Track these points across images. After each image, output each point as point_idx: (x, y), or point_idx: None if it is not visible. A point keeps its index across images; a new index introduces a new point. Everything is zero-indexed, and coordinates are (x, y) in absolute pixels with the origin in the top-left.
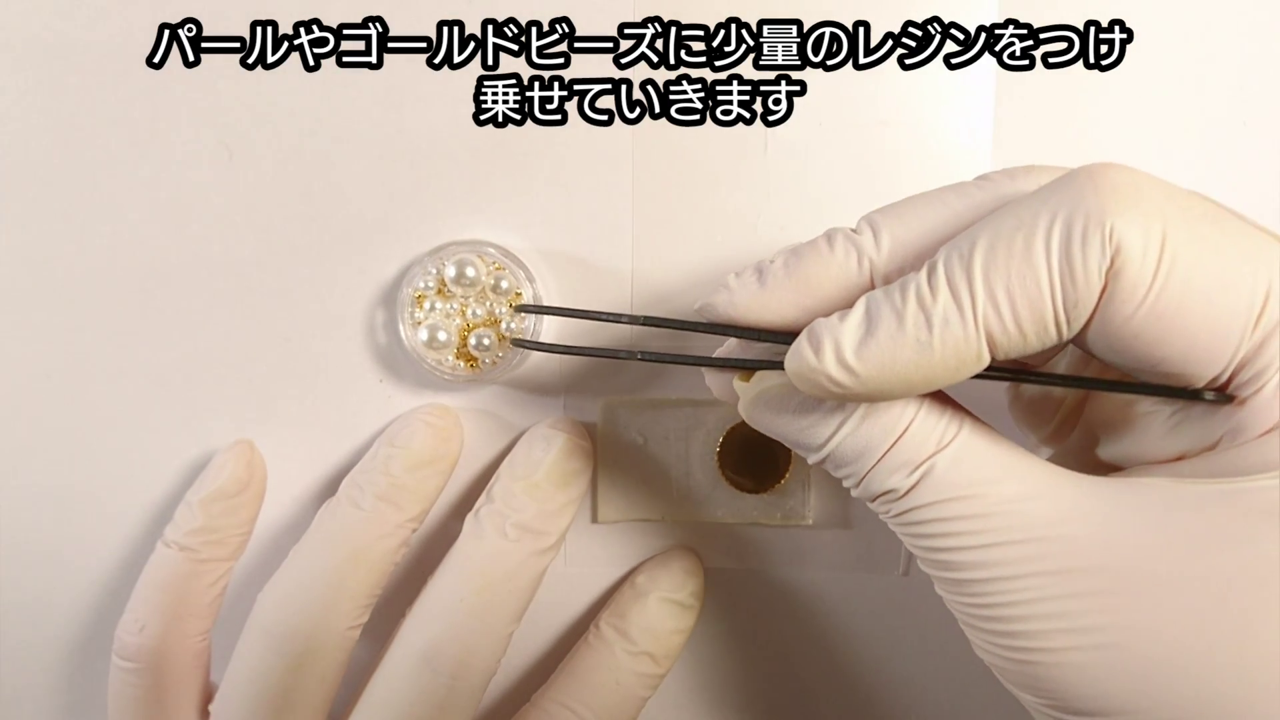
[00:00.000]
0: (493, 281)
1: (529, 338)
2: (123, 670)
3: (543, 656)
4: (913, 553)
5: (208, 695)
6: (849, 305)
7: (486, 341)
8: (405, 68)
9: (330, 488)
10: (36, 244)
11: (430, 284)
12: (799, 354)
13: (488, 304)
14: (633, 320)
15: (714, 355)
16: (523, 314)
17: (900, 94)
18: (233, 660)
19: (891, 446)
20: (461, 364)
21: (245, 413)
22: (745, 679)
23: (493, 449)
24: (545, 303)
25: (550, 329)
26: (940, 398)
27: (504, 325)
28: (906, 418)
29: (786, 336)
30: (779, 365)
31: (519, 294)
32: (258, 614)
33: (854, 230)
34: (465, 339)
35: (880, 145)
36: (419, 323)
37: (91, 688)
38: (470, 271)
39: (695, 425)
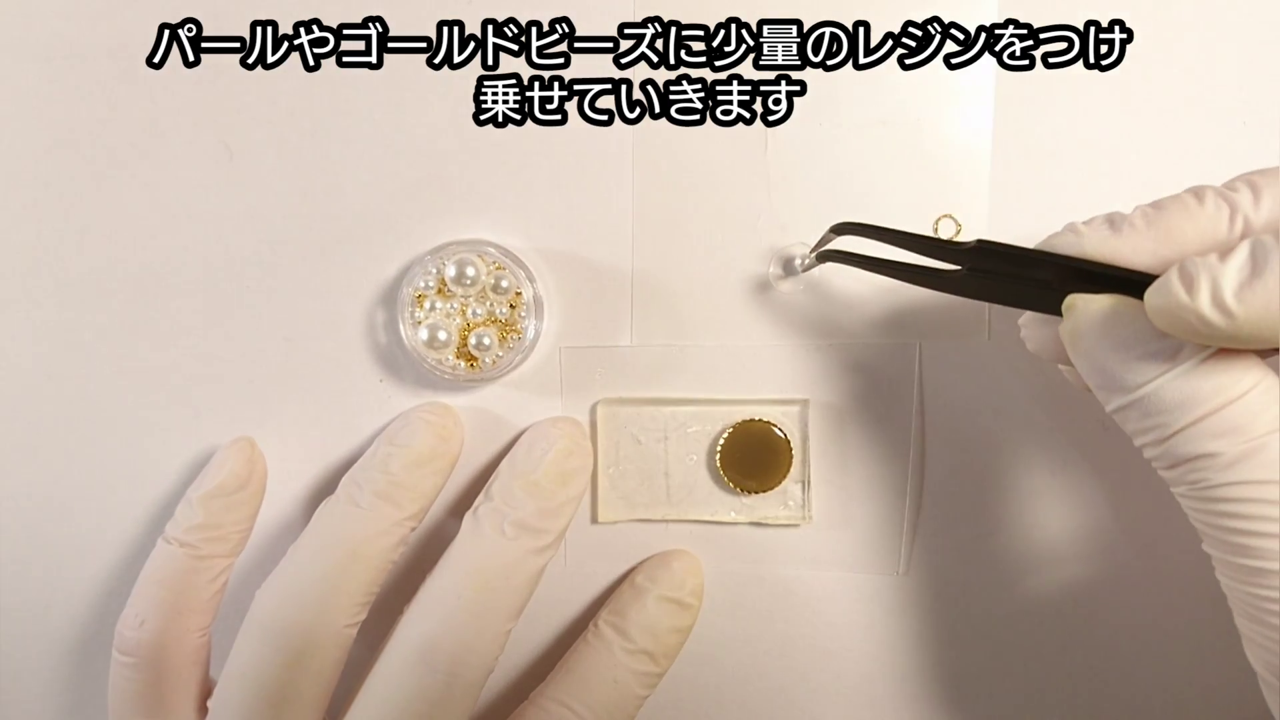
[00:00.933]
0: (493, 281)
1: (528, 339)
2: (122, 665)
3: (541, 655)
4: (1199, 528)
5: (206, 691)
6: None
7: (487, 341)
8: (405, 68)
9: (330, 487)
10: (36, 244)
11: (430, 284)
12: (1167, 289)
13: (488, 304)
14: (965, 250)
15: (1023, 318)
16: (522, 311)
17: (900, 94)
18: (230, 656)
19: (1223, 407)
20: (461, 364)
21: (245, 412)
22: (745, 679)
23: (492, 448)
24: (546, 303)
25: (556, 330)
26: None
27: (477, 339)
28: (1249, 380)
29: (1139, 276)
30: (1130, 290)
31: (519, 293)
32: (255, 611)
33: (1226, 187)
34: (465, 339)
35: (880, 145)
36: (419, 322)
37: (93, 684)
38: (470, 271)
39: (695, 425)
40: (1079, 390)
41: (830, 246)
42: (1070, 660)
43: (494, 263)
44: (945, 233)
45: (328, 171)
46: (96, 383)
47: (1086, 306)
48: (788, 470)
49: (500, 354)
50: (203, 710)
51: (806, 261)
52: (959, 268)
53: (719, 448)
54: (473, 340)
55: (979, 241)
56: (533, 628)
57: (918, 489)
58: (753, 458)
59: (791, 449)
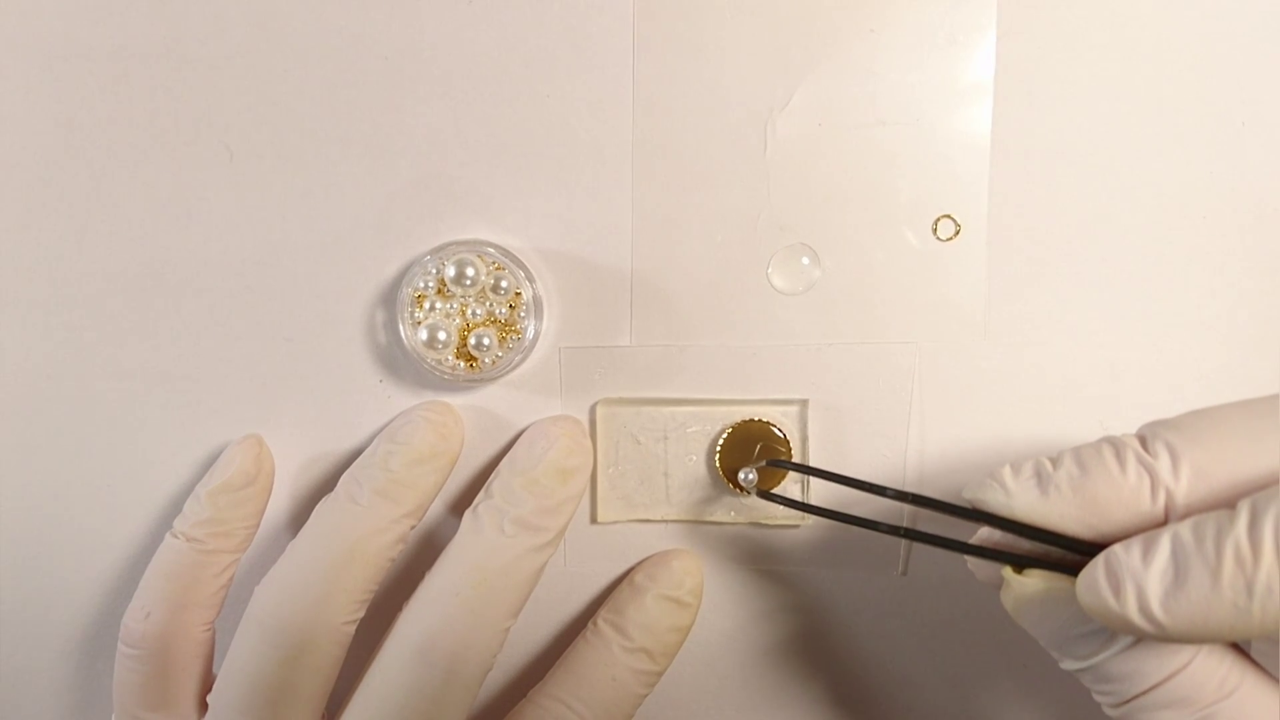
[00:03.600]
0: (493, 281)
1: (528, 339)
2: (127, 657)
3: (541, 653)
4: None
5: (209, 685)
6: (1138, 530)
7: (486, 341)
8: (405, 67)
9: (329, 486)
10: (36, 244)
11: (430, 284)
12: (1096, 591)
13: (488, 304)
14: (900, 497)
15: (973, 541)
16: (522, 311)
17: (900, 94)
18: (229, 652)
19: (1168, 679)
20: (461, 364)
21: (246, 411)
22: (745, 679)
23: (492, 447)
24: (545, 302)
25: (556, 330)
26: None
27: (482, 343)
28: (1189, 651)
29: (1065, 541)
30: (1056, 568)
31: (519, 294)
32: (254, 607)
33: (1144, 448)
34: (465, 339)
35: (880, 145)
36: (419, 323)
37: (97, 681)
38: (470, 271)
39: (695, 425)
40: None
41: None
42: None
43: (494, 263)
44: (945, 233)
45: (328, 171)
46: (96, 382)
47: (1020, 588)
48: (788, 470)
49: (500, 354)
50: (204, 704)
51: (748, 478)
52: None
53: (719, 448)
54: (472, 340)
55: (913, 495)
56: (532, 626)
57: (917, 489)
58: (752, 458)
59: (791, 449)
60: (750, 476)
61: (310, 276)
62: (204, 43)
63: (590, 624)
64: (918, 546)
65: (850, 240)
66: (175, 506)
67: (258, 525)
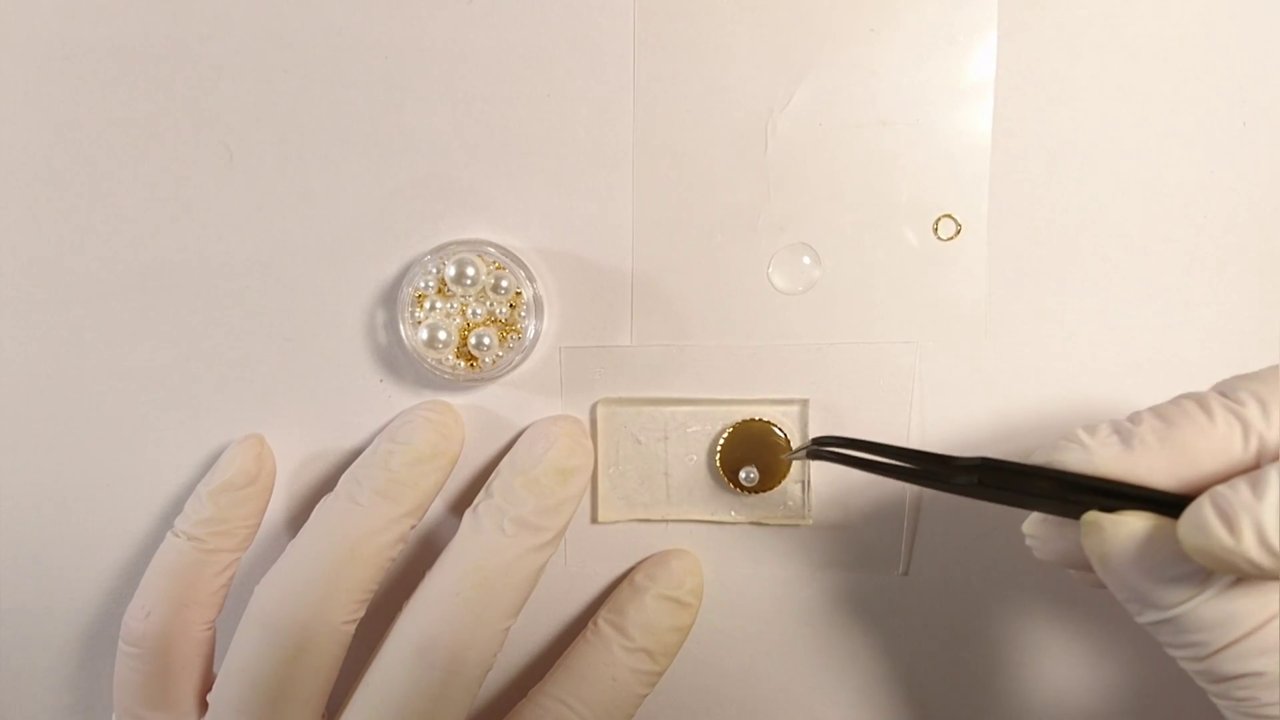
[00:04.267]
0: (493, 281)
1: (528, 339)
2: (128, 655)
3: (541, 653)
4: None
5: (209, 684)
6: (1229, 476)
7: (487, 341)
8: (406, 67)
9: (329, 486)
10: (36, 244)
11: (430, 284)
12: (1207, 530)
13: (488, 304)
14: (969, 465)
15: (1026, 524)
16: (522, 311)
17: (900, 94)
18: (229, 652)
19: (1263, 624)
20: (461, 363)
21: (246, 411)
22: (745, 679)
23: (492, 447)
24: (545, 302)
25: (556, 330)
26: None
27: (482, 342)
28: None
29: (1152, 495)
30: (1149, 508)
31: (519, 293)
32: (254, 607)
33: (1230, 400)
34: (465, 338)
35: (880, 145)
36: (419, 322)
37: (97, 681)
38: (470, 271)
39: (695, 425)
40: (1089, 589)
41: (823, 446)
42: (1071, 660)
43: (494, 263)
44: (945, 233)
45: (328, 171)
46: (96, 383)
47: (1115, 529)
48: (788, 470)
49: (500, 354)
50: (204, 703)
51: (750, 476)
52: (962, 479)
53: (719, 448)
54: (473, 340)
55: (983, 460)
56: (532, 626)
57: (917, 489)
58: (753, 458)
59: (791, 449)
60: (751, 475)
61: (310, 276)
62: (204, 43)
63: (590, 624)
64: (919, 545)
65: (850, 240)
66: (175, 505)
67: (259, 524)
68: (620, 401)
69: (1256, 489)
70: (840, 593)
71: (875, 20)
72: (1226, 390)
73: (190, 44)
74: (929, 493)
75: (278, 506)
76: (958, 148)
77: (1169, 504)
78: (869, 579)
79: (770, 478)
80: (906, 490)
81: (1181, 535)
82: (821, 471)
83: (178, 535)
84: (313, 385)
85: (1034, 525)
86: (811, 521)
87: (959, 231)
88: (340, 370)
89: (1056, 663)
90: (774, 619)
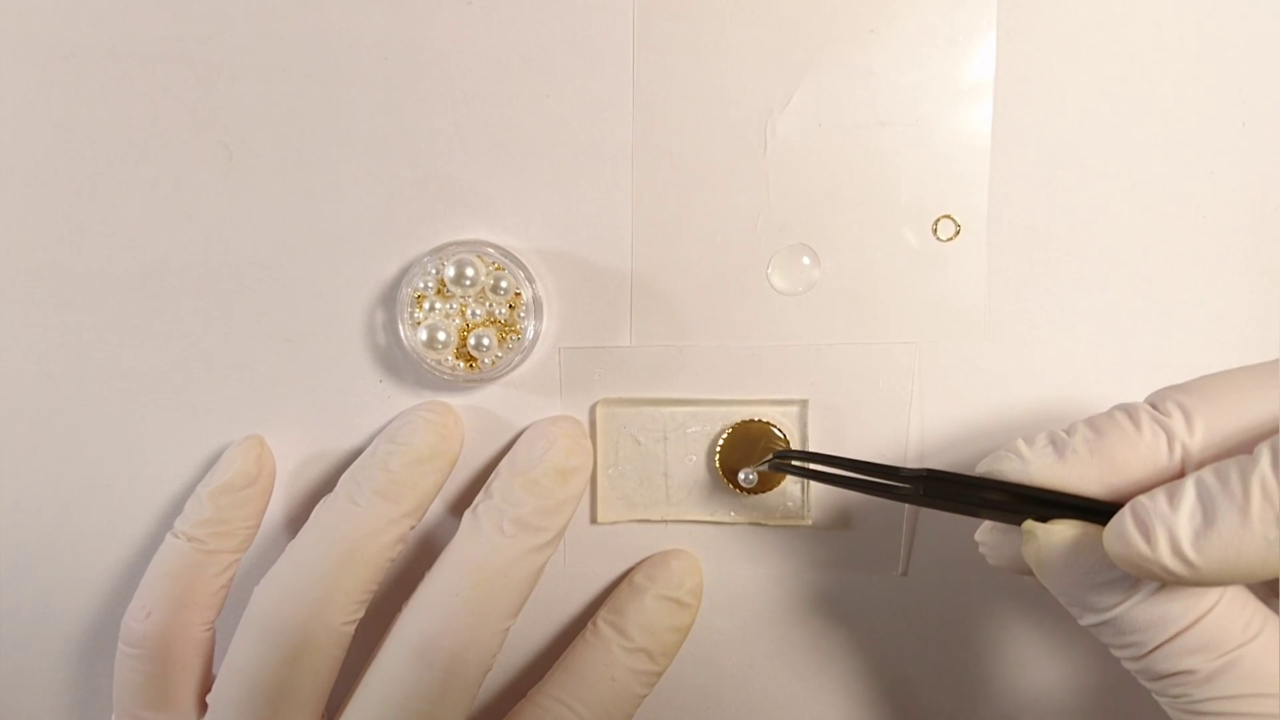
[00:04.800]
0: (492, 281)
1: (528, 339)
2: (127, 656)
3: (540, 653)
4: None
5: (208, 685)
6: (1156, 484)
7: (486, 341)
8: (405, 67)
9: (329, 487)
10: (36, 244)
11: (430, 284)
12: (1125, 539)
13: (487, 304)
14: (914, 475)
15: (978, 533)
16: (522, 312)
17: (900, 94)
18: (229, 653)
19: (1192, 625)
20: (461, 364)
21: (245, 412)
22: (744, 679)
23: (491, 448)
24: (545, 303)
25: (555, 331)
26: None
27: (479, 343)
28: (1213, 595)
29: (1084, 503)
30: (1078, 517)
31: (519, 294)
32: (254, 608)
33: (1155, 409)
34: (465, 339)
35: (880, 145)
36: (419, 323)
37: (97, 681)
38: (470, 271)
39: (695, 425)
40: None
41: (780, 461)
42: (1070, 659)
43: (493, 263)
44: (945, 233)
45: (328, 171)
46: (96, 383)
47: (1047, 537)
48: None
49: (499, 354)
50: (204, 704)
51: (749, 478)
52: (908, 486)
53: (718, 448)
54: (472, 341)
55: (928, 471)
56: (532, 626)
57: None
58: (752, 458)
59: (791, 448)
60: (750, 477)
61: (310, 276)
62: (204, 43)
63: (590, 624)
64: (918, 546)
65: (850, 240)
66: (175, 506)
67: (258, 525)
68: (619, 402)
69: (1173, 500)
70: (840, 593)
71: (875, 21)
72: (1156, 401)
73: (190, 44)
74: None
75: (277, 507)
76: (957, 148)
77: (1101, 512)
78: (868, 579)
79: (769, 478)
80: None
81: (1105, 544)
82: None
83: (178, 536)
84: (312, 386)
85: (984, 533)
86: (811, 522)
87: (958, 232)
88: (340, 371)
89: (1055, 663)
90: (774, 619)
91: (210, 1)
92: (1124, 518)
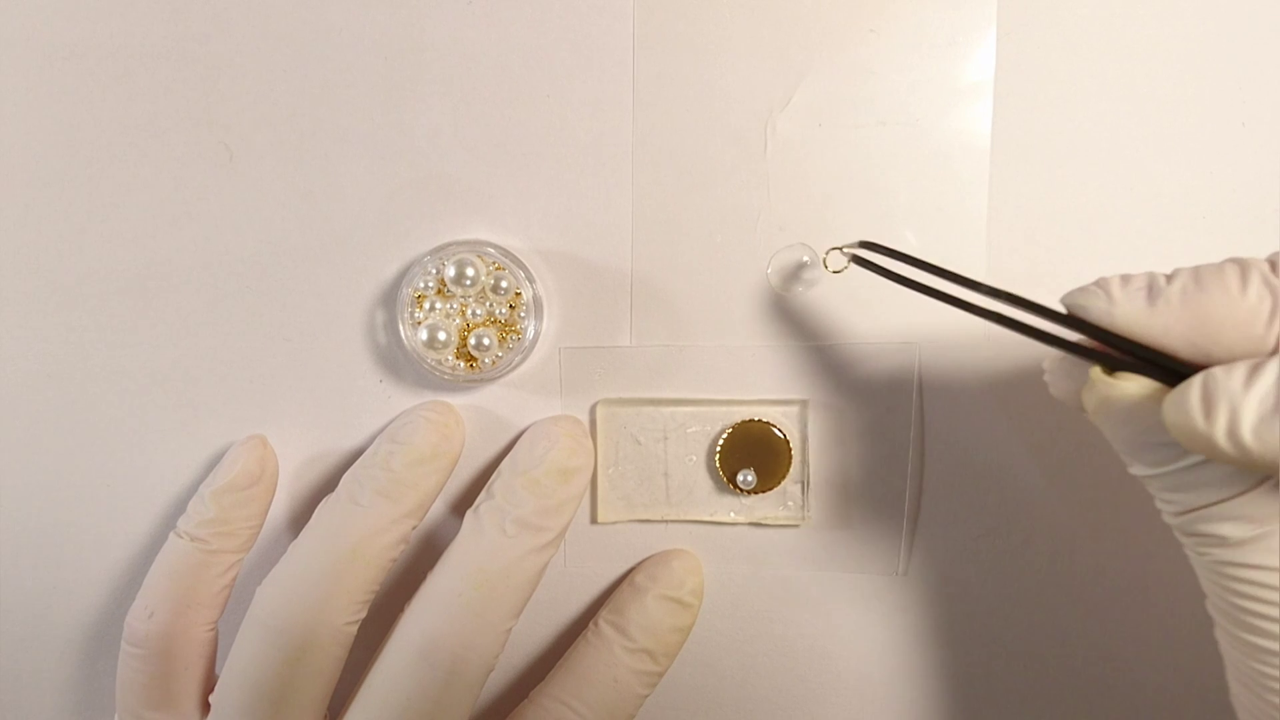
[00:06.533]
0: (493, 281)
1: (528, 339)
2: (130, 656)
3: (542, 654)
4: (1207, 590)
5: (211, 685)
6: (1249, 354)
7: (486, 341)
8: (405, 67)
9: (330, 487)
10: (36, 244)
11: (430, 284)
12: (1185, 408)
13: (488, 304)
14: (993, 293)
15: (1046, 362)
16: (522, 311)
17: (900, 94)
18: (231, 653)
19: (1238, 495)
20: (461, 364)
21: (246, 412)
22: (744, 679)
23: (492, 448)
24: (545, 302)
25: (556, 330)
26: None
27: (475, 341)
28: (1257, 477)
29: (1165, 360)
30: (1149, 371)
31: (519, 294)
32: (256, 608)
33: (1273, 267)
34: (465, 339)
35: (880, 145)
36: (419, 323)
37: (98, 681)
38: (470, 271)
39: (695, 425)
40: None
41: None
42: (1070, 660)
43: (494, 263)
44: (835, 265)
45: (328, 171)
46: (96, 383)
47: (1109, 391)
48: (788, 470)
49: (500, 354)
50: (206, 704)
51: (837, 259)
52: (987, 305)
53: (718, 448)
54: (472, 340)
55: (1006, 293)
56: (533, 626)
57: (917, 489)
58: (752, 458)
59: (791, 449)
60: (749, 477)
61: (310, 276)
62: (204, 43)
63: (591, 625)
64: (918, 546)
65: (850, 240)
66: (176, 506)
67: (261, 525)
68: (620, 402)
69: (1250, 378)
70: (839, 593)
71: (875, 20)
72: (1277, 260)
73: (190, 44)
74: (927, 493)
75: (279, 507)
76: (957, 148)
77: (1174, 371)
78: (868, 579)
79: (769, 479)
80: (906, 491)
81: (1165, 408)
82: (821, 471)
83: (180, 536)
84: (313, 386)
85: (1052, 363)
86: (811, 522)
87: (847, 266)
88: (340, 371)
89: (1055, 663)
90: (774, 619)
91: (210, 1)
92: (1191, 387)
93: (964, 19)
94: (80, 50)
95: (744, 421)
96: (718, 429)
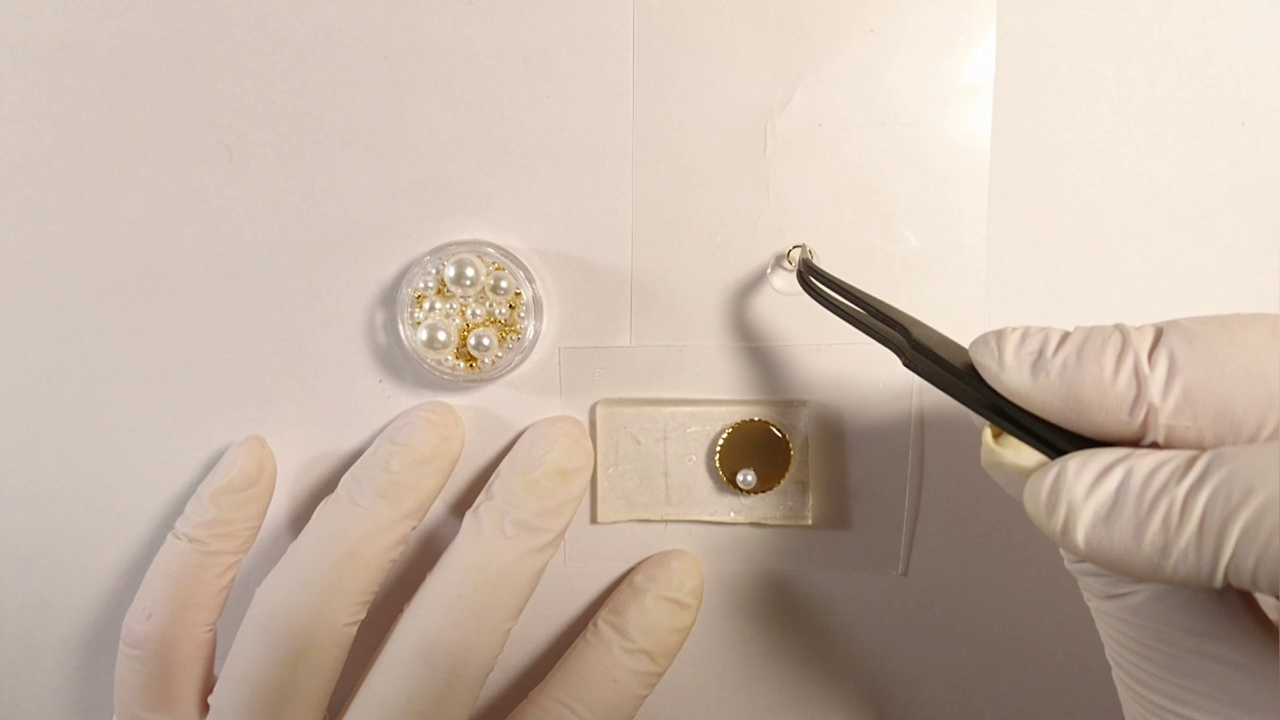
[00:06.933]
0: (492, 281)
1: (528, 339)
2: (129, 657)
3: (541, 654)
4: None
5: (210, 686)
6: (1116, 436)
7: (486, 341)
8: (406, 67)
9: (329, 487)
10: (36, 244)
11: (430, 284)
12: (1035, 496)
13: (487, 304)
14: (907, 343)
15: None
16: (522, 311)
17: (900, 94)
18: (231, 654)
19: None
20: (461, 364)
21: (245, 412)
22: (744, 679)
23: (492, 448)
24: (545, 302)
25: (555, 331)
26: None
27: (474, 342)
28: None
29: (1046, 427)
30: (1034, 438)
31: (519, 294)
32: (255, 609)
33: (1149, 353)
34: (465, 339)
35: (880, 145)
36: (419, 323)
37: (97, 681)
38: (470, 271)
39: (695, 425)
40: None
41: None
42: (1070, 659)
43: (493, 263)
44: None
45: (328, 171)
46: (96, 383)
47: (991, 457)
48: (787, 470)
49: (500, 354)
50: (205, 705)
51: (748, 478)
52: (903, 340)
53: (718, 448)
54: (472, 340)
55: (914, 342)
56: (532, 627)
57: (917, 489)
58: (752, 458)
59: (791, 449)
60: (749, 477)
61: (310, 276)
62: (204, 43)
63: (590, 625)
64: (918, 546)
65: (850, 240)
66: (175, 507)
67: (259, 526)
68: (620, 402)
69: (1096, 481)
70: (840, 593)
71: (875, 21)
72: (1161, 336)
73: (190, 44)
74: (928, 491)
75: (278, 508)
76: (957, 148)
77: (1063, 441)
78: (868, 579)
79: (769, 479)
80: (906, 490)
81: (1024, 493)
82: (821, 471)
83: (179, 537)
84: (312, 386)
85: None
86: (811, 522)
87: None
88: (340, 371)
89: (1056, 663)
90: (774, 619)
91: (210, 1)
92: (1045, 477)
93: (964, 19)
94: (80, 50)
95: (744, 421)
96: (718, 429)
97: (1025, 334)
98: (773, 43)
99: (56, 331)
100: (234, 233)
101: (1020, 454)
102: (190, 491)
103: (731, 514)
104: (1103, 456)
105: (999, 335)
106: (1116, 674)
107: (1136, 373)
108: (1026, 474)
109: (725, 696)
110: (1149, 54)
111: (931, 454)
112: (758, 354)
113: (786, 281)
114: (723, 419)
